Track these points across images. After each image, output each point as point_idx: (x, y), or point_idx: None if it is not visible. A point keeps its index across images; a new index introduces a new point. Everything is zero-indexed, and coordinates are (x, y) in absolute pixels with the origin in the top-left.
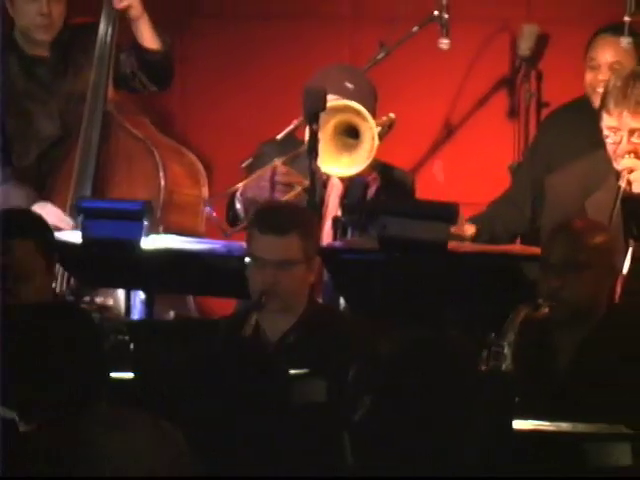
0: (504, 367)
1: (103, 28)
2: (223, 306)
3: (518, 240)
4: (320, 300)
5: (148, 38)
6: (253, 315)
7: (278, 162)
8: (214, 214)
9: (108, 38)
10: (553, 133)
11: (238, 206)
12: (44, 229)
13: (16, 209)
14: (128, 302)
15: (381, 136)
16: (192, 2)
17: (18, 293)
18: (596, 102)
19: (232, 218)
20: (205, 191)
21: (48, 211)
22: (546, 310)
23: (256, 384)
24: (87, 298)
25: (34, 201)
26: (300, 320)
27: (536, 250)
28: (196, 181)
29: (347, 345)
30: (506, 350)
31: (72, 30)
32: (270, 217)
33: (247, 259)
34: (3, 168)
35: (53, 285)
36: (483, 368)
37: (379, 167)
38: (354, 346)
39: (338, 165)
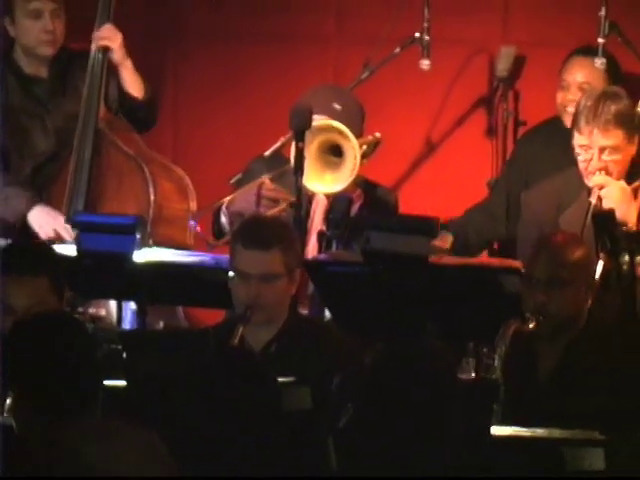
0: (493, 377)
1: (94, 51)
2: (211, 316)
3: (496, 245)
4: (307, 311)
5: (130, 84)
6: (239, 327)
7: (265, 178)
8: (198, 228)
9: (99, 61)
10: (529, 150)
11: (223, 219)
12: (56, 262)
13: (27, 242)
14: (120, 313)
15: (367, 154)
16: (182, 22)
17: None
18: (567, 121)
19: (217, 231)
20: (193, 205)
21: (51, 216)
22: (533, 324)
23: (245, 392)
24: (80, 309)
25: (35, 204)
26: (281, 330)
27: (514, 263)
28: (185, 196)
29: (330, 354)
30: (497, 362)
31: (70, 53)
32: (253, 232)
33: (230, 273)
34: (3, 174)
35: None
36: (463, 376)
37: (363, 184)
38: (337, 356)
39: (322, 182)
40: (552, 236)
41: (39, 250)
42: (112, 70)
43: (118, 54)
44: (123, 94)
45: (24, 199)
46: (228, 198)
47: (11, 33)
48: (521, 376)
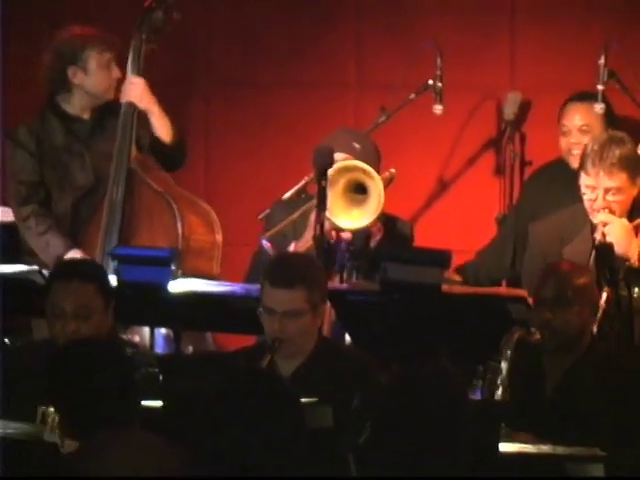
0: (498, 394)
1: (125, 111)
2: (238, 342)
3: (504, 283)
4: (329, 336)
5: (159, 129)
6: (268, 356)
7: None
8: (269, 245)
9: (129, 113)
10: (536, 189)
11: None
12: (103, 274)
13: (80, 258)
14: (152, 338)
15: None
16: (212, 70)
17: (78, 330)
18: (572, 163)
19: None
20: (219, 238)
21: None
22: (537, 336)
23: (272, 411)
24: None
25: (70, 249)
26: (309, 358)
27: (520, 292)
28: (210, 229)
29: (351, 377)
30: (503, 364)
31: (109, 100)
32: (279, 271)
33: (260, 308)
34: (46, 219)
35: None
36: (473, 397)
37: (383, 218)
38: (357, 378)
39: (350, 218)
40: (559, 263)
41: (87, 260)
42: (143, 114)
43: (144, 104)
44: (153, 138)
45: (62, 245)
46: (272, 231)
47: (75, 81)
48: (527, 389)
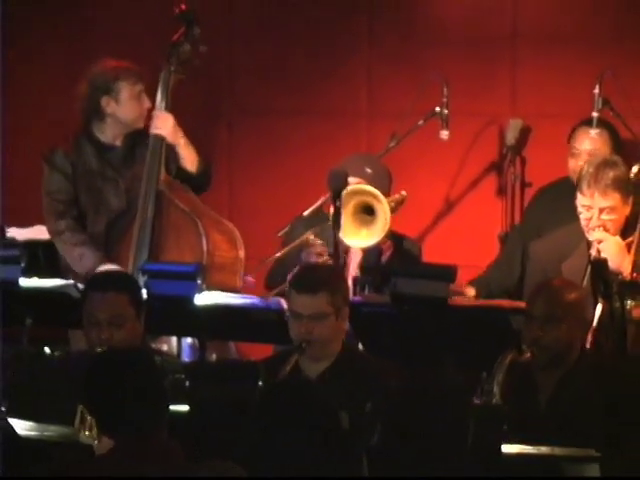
0: (494, 402)
1: (153, 143)
2: (259, 350)
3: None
4: None
5: (185, 160)
6: (294, 356)
7: (309, 235)
8: (252, 280)
9: (157, 144)
10: (541, 207)
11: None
12: (136, 285)
13: (114, 270)
14: (179, 347)
15: (394, 210)
16: (237, 100)
17: (111, 337)
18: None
19: (270, 282)
20: (242, 254)
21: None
22: (528, 355)
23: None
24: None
25: (103, 261)
26: (335, 362)
27: (521, 304)
28: (234, 245)
29: (367, 383)
30: (495, 388)
31: (140, 129)
32: (303, 278)
33: (287, 313)
34: (80, 234)
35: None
36: (476, 402)
37: (392, 236)
38: (372, 384)
39: (358, 238)
40: (551, 280)
41: (121, 273)
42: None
43: (171, 137)
44: (179, 167)
45: (96, 258)
46: (278, 255)
47: (108, 110)
48: (522, 404)
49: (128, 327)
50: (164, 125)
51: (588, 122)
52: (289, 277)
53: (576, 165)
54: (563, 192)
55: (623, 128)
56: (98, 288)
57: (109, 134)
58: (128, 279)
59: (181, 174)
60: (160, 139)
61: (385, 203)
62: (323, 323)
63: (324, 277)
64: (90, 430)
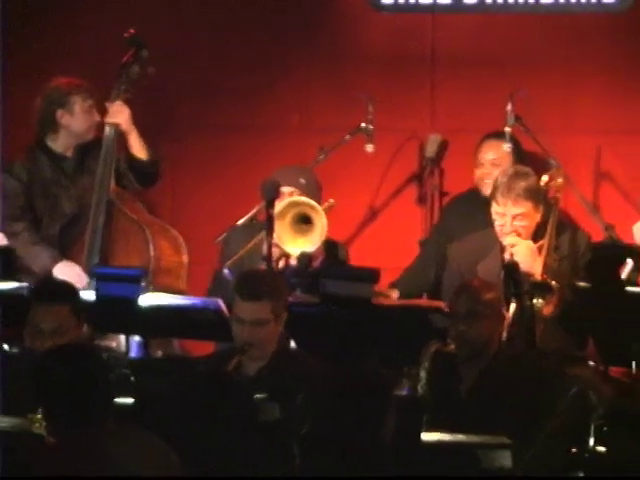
0: (420, 390)
1: (108, 135)
2: (200, 347)
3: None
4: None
5: (136, 148)
6: (237, 357)
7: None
8: (228, 274)
9: (110, 143)
10: (453, 215)
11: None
12: (77, 295)
13: (53, 280)
14: (127, 344)
15: None
16: (180, 115)
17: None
18: (484, 190)
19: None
20: (185, 258)
21: (72, 268)
22: (452, 347)
23: (231, 407)
24: (97, 341)
25: (58, 261)
26: (271, 359)
27: (439, 303)
28: (178, 251)
29: (299, 378)
30: (422, 373)
31: (89, 141)
32: (247, 286)
33: (232, 318)
34: (36, 234)
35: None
36: (398, 394)
37: (323, 242)
38: (303, 379)
39: (296, 245)
40: (470, 281)
41: (62, 285)
42: (120, 145)
43: (125, 125)
44: (131, 157)
45: (51, 257)
46: (230, 262)
47: (62, 122)
48: (445, 392)
49: (70, 335)
50: (120, 114)
51: (492, 135)
52: (234, 282)
53: (481, 174)
54: (470, 202)
55: (532, 142)
56: (41, 300)
57: (61, 145)
58: (70, 290)
59: (132, 165)
60: (115, 129)
61: (322, 214)
62: (264, 328)
63: (267, 285)
64: (41, 421)
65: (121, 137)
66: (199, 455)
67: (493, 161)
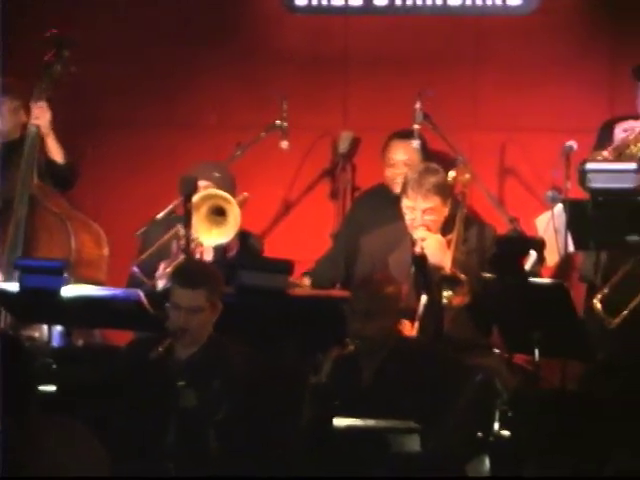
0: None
1: (29, 134)
2: (122, 336)
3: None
4: None
5: (53, 151)
6: (169, 341)
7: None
8: (137, 271)
9: (32, 142)
10: (362, 208)
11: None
12: None
13: None
14: (49, 334)
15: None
16: (101, 113)
17: None
18: (395, 189)
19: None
20: (106, 251)
21: None
22: (352, 348)
23: (155, 392)
24: (21, 331)
25: None
26: (202, 346)
27: (348, 294)
28: (99, 244)
29: (220, 366)
30: (324, 380)
31: (15, 140)
32: (185, 274)
33: (168, 304)
34: None
35: None
36: (312, 381)
37: (238, 233)
38: (223, 366)
39: (210, 237)
40: (371, 275)
41: None
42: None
43: (44, 128)
44: (48, 160)
45: None
46: (143, 256)
47: None
48: (348, 383)
49: None
50: (42, 116)
51: (400, 134)
52: (173, 270)
53: (393, 174)
54: (379, 197)
55: (440, 139)
56: None
57: None
58: None
59: (49, 168)
60: (37, 130)
61: (235, 205)
62: (198, 316)
63: (205, 274)
64: None
65: (42, 138)
66: (122, 441)
67: (405, 162)
